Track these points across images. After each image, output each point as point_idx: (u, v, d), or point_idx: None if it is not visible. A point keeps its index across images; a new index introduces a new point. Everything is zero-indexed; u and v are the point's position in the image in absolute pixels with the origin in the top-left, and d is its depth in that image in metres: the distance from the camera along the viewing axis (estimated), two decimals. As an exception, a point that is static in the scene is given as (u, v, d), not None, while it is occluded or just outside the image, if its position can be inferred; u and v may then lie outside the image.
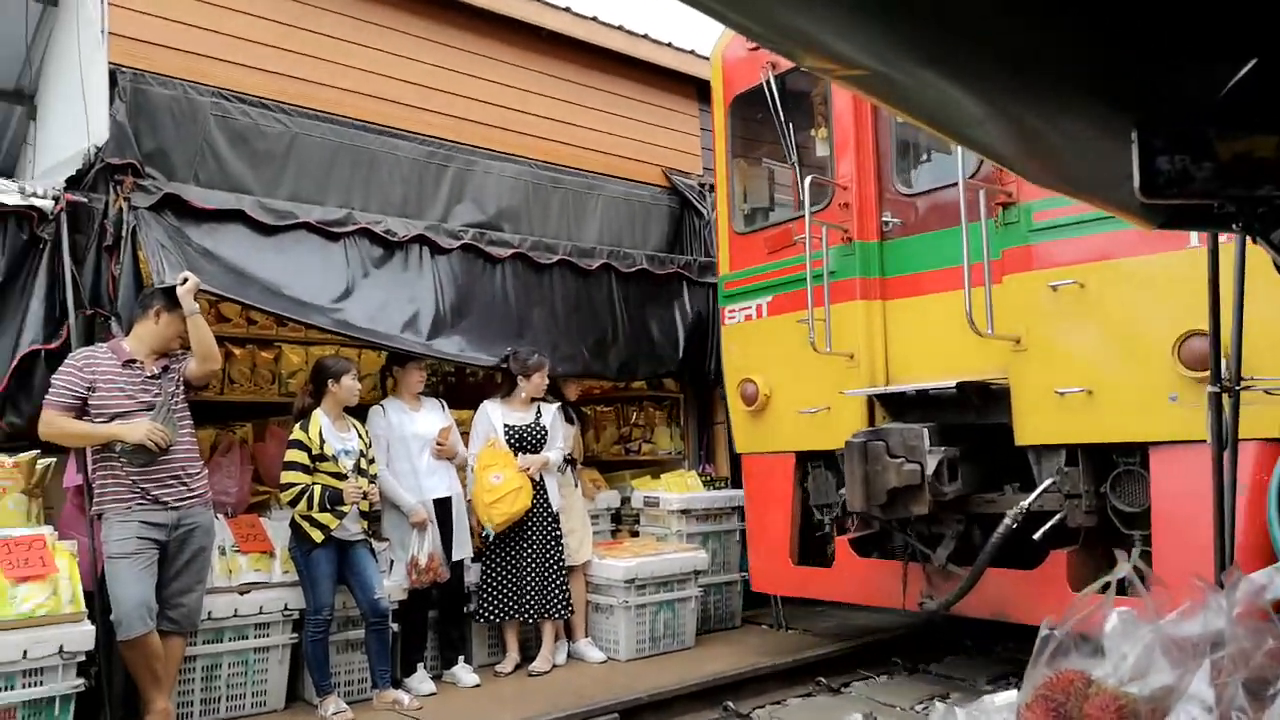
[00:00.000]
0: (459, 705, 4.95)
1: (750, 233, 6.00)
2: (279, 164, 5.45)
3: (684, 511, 6.56)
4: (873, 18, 1.03)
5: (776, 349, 5.61)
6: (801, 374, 5.44)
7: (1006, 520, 4.42)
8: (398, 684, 5.03)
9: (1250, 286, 2.66)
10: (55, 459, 4.63)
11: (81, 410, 4.14)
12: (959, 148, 4.35)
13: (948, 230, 4.81)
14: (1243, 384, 2.70)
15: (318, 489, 4.70)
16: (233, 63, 5.47)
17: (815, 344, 5.16)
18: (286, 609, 4.81)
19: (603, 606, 5.90)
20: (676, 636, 6.00)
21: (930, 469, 4.47)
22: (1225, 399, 2.71)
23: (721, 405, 6.94)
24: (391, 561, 5.20)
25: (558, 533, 5.64)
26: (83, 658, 3.90)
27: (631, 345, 6.75)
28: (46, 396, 4.14)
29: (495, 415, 5.65)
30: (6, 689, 3.70)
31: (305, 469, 4.72)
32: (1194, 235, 3.79)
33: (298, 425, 4.83)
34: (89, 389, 4.14)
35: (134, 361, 4.26)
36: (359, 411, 5.21)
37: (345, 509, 4.74)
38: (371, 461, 5.02)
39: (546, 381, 5.78)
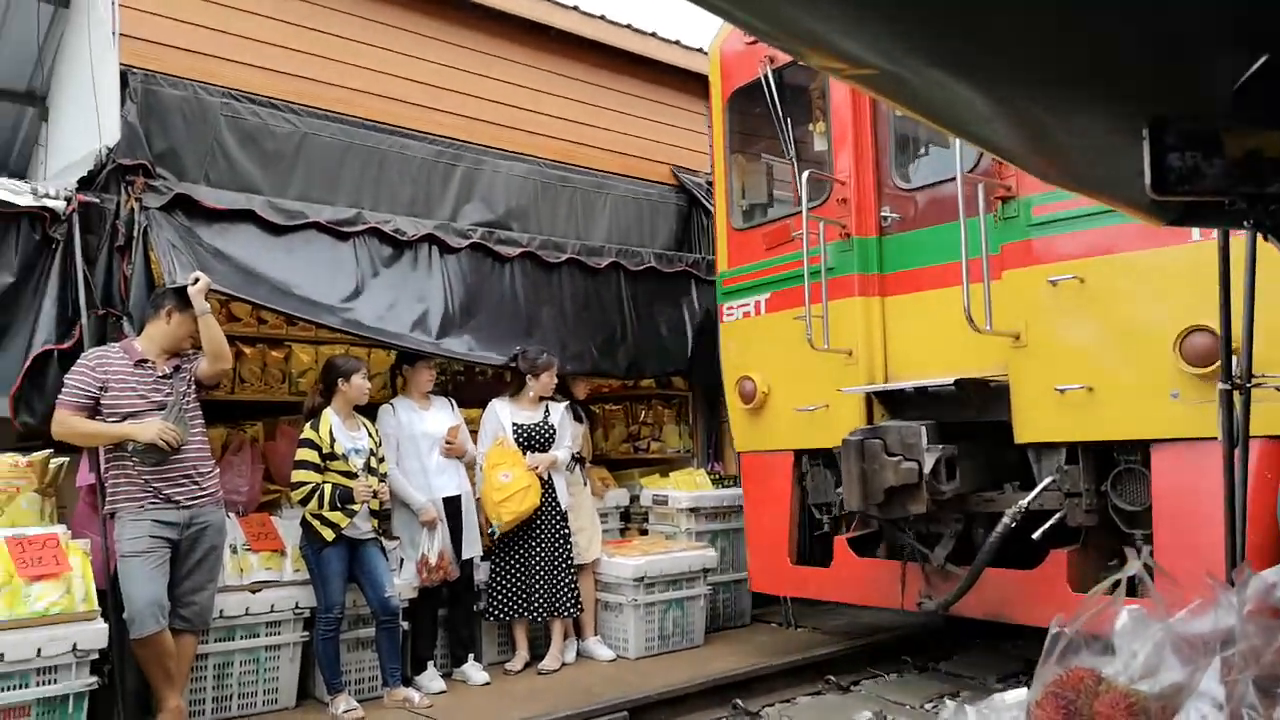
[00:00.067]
0: (469, 703, 4.97)
1: (748, 229, 5.93)
2: (289, 164, 5.47)
3: (693, 510, 6.55)
4: (880, 16, 1.03)
5: (774, 346, 5.55)
6: (800, 371, 5.38)
7: (1005, 519, 4.37)
8: (408, 682, 5.06)
9: (1260, 283, 2.65)
10: (68, 458, 4.67)
11: (94, 410, 4.17)
12: (958, 141, 4.30)
13: (946, 225, 4.75)
14: (1253, 381, 2.69)
15: (328, 488, 4.72)
16: (242, 63, 5.49)
17: (813, 341, 5.09)
18: (298, 607, 4.83)
19: (612, 605, 5.91)
20: (685, 634, 6.00)
21: (928, 467, 4.42)
22: (1236, 396, 2.70)
23: (728, 403, 6.94)
24: (401, 560, 5.21)
25: (566, 531, 5.65)
26: (96, 656, 3.93)
27: (640, 343, 6.75)
28: (59, 396, 4.18)
29: (504, 414, 5.66)
30: (21, 687, 3.73)
31: (316, 468, 4.74)
32: (1195, 230, 3.76)
33: (308, 424, 4.86)
34: (101, 389, 4.17)
35: (146, 361, 4.29)
36: (369, 410, 5.23)
37: (356, 507, 4.76)
38: (381, 460, 5.04)
39: (555, 380, 5.79)
